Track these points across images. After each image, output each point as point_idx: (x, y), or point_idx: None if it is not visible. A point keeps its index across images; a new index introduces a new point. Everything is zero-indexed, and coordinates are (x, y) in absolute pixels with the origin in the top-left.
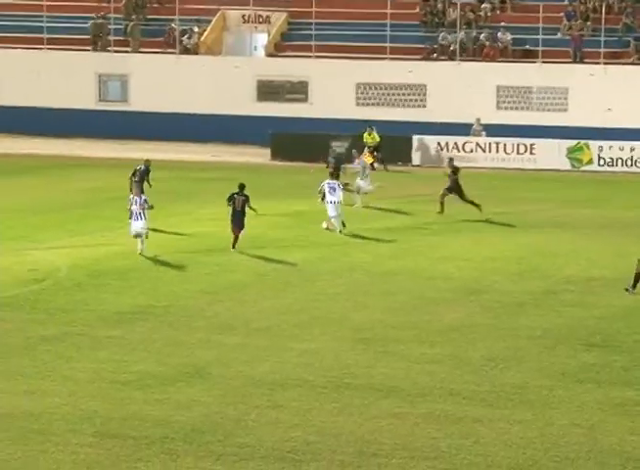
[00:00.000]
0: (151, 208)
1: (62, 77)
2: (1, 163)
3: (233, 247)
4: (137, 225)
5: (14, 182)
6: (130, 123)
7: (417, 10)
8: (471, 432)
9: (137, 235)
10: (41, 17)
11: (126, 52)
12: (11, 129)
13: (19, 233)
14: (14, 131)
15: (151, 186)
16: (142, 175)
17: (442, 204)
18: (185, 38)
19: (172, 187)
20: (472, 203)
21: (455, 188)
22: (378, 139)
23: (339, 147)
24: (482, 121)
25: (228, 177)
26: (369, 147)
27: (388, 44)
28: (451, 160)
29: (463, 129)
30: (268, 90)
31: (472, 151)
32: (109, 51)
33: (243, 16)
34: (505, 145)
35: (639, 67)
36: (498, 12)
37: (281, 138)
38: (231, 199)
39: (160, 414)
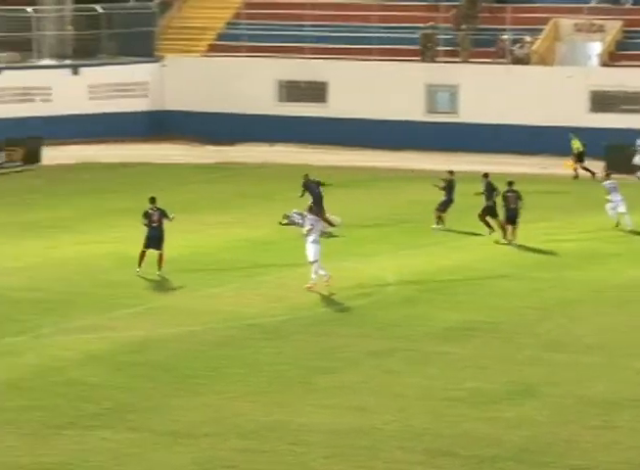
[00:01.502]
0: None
1: (391, 89)
2: (334, 174)
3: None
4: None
5: (344, 195)
6: (460, 135)
7: None
8: None
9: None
10: (371, 28)
11: (456, 62)
12: (340, 142)
13: (346, 247)
14: (343, 144)
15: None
16: (317, 194)
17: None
18: (516, 48)
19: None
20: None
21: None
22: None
23: None
24: None
25: (558, 190)
26: (576, 155)
27: None
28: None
29: None
30: (602, 101)
31: None
32: (438, 62)
33: (575, 24)
34: None
35: None
36: None
37: (616, 150)
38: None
39: (490, 433)
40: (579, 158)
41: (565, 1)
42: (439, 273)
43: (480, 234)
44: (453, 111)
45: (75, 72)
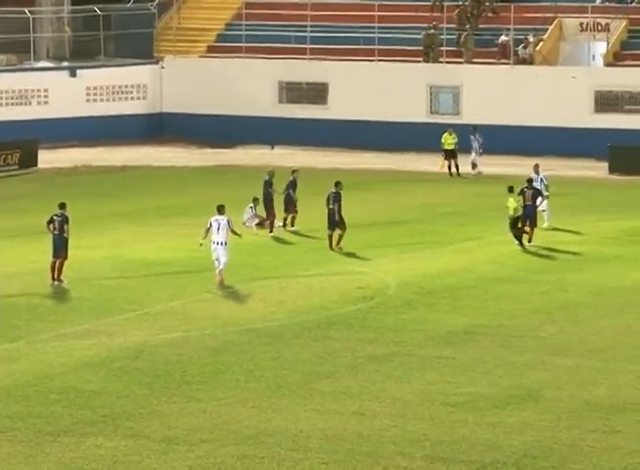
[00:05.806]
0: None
1: (392, 90)
2: (336, 176)
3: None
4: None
5: (345, 197)
6: (461, 136)
7: None
8: None
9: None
10: (372, 28)
11: (458, 63)
12: (341, 144)
13: (347, 251)
14: (344, 146)
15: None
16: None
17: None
18: (520, 48)
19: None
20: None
21: None
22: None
23: None
24: None
25: (564, 192)
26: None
27: None
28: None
29: None
30: (606, 101)
31: None
32: (440, 62)
33: (580, 24)
34: None
35: None
36: None
37: (620, 151)
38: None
39: (491, 438)
40: (450, 154)
41: (569, 0)
42: (441, 277)
43: (482, 237)
44: (455, 112)
45: (73, 74)
